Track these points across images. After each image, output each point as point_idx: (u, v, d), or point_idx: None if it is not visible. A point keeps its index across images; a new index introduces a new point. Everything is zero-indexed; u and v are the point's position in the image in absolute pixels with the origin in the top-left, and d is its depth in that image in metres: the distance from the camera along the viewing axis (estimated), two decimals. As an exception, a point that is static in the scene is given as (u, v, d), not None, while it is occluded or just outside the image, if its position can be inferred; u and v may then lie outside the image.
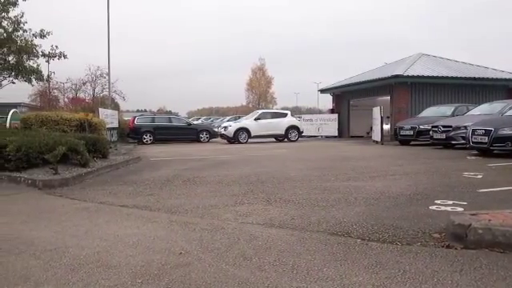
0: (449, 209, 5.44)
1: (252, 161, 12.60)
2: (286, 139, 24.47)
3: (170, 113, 66.84)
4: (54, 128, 13.92)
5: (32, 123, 14.36)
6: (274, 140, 24.53)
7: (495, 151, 12.09)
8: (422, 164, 10.80)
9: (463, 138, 13.81)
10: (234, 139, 23.26)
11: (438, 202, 5.90)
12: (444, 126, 15.72)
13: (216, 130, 28.45)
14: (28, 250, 4.08)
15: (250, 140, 23.62)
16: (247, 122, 24.56)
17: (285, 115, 25.58)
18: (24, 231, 4.84)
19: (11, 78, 15.71)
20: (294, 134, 24.66)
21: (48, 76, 18.65)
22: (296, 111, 71.24)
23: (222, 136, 24.25)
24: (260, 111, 26.77)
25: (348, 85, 28.13)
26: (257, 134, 23.94)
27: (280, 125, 24.56)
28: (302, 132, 25.75)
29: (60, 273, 3.46)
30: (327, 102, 30.97)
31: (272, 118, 25.07)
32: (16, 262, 3.77)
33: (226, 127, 24.53)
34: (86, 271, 3.49)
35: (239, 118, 30.75)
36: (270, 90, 75.64)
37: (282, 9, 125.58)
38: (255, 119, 24.38)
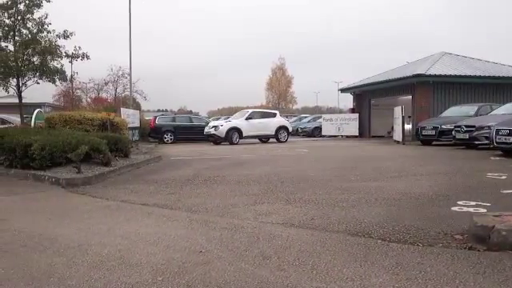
0: (471, 210, 5.36)
1: (271, 161, 12.60)
2: (275, 140, 23.51)
3: (190, 112, 67.27)
4: (76, 127, 14.14)
5: (56, 123, 14.62)
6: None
7: (520, 151, 11.86)
8: (444, 164, 10.66)
9: (487, 138, 13.57)
10: (225, 140, 22.05)
11: (461, 202, 5.82)
12: (467, 126, 15.45)
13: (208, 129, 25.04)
14: (52, 247, 4.16)
15: (240, 141, 22.38)
16: (238, 121, 22.98)
17: (274, 115, 24.50)
18: (48, 228, 4.94)
19: (36, 79, 16.01)
20: (283, 135, 23.83)
21: (71, 76, 19.00)
22: (316, 111, 71.06)
23: (212, 136, 22.61)
24: (250, 110, 25.00)
25: (369, 84, 27.88)
26: (248, 135, 22.82)
27: (270, 125, 23.56)
28: (291, 133, 25.25)
29: (83, 270, 3.52)
30: (348, 101, 30.82)
31: (262, 117, 23.91)
32: (40, 258, 3.85)
33: (216, 126, 22.67)
34: (108, 268, 3.54)
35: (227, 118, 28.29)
36: (290, 89, 75.51)
37: (303, 8, 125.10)
38: (246, 118, 23.06)
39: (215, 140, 22.44)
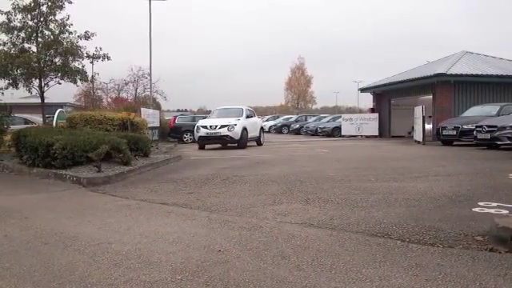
0: (493, 211, 5.28)
1: (290, 160, 12.59)
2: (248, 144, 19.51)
3: (209, 112, 67.49)
4: (97, 127, 14.34)
5: (77, 122, 14.84)
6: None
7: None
8: (466, 165, 10.51)
9: (509, 138, 13.36)
10: (238, 142, 18.08)
11: (482, 204, 5.73)
12: (488, 126, 15.21)
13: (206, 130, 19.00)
14: (73, 245, 4.23)
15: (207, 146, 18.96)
16: (243, 120, 18.77)
17: (254, 114, 21.41)
18: (69, 226, 5.02)
19: (57, 79, 16.23)
20: (262, 138, 21.13)
21: (92, 77, 19.16)
22: (336, 111, 70.67)
23: (221, 139, 18.17)
24: (245, 107, 20.70)
25: (389, 84, 27.62)
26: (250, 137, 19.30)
27: (256, 125, 20.51)
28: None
29: (103, 267, 3.58)
30: (367, 101, 30.60)
31: (251, 116, 20.41)
32: (62, 256, 3.92)
33: (228, 126, 17.92)
34: (128, 266, 3.59)
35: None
36: (310, 89, 75.43)
37: (322, 8, 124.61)
38: (247, 117, 19.50)
39: (225, 143, 18.36)
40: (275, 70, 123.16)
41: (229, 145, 18.67)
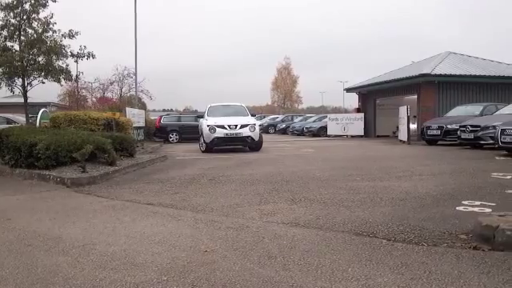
0: (476, 210, 5.35)
1: (277, 160, 12.60)
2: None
3: (195, 112, 67.29)
4: (81, 127, 14.19)
5: (61, 122, 14.68)
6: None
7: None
8: (450, 164, 10.62)
9: (492, 137, 13.51)
10: (257, 145, 16.26)
11: (466, 202, 5.80)
12: (472, 126, 15.39)
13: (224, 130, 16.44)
14: (57, 247, 4.18)
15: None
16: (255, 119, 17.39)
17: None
18: (53, 228, 4.96)
19: (41, 78, 16.04)
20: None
21: (76, 76, 18.98)
22: (322, 110, 70.91)
23: (243, 141, 15.97)
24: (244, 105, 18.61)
25: (374, 84, 27.82)
26: None
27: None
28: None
29: (87, 269, 3.54)
30: (353, 101, 30.83)
31: (253, 115, 18.71)
32: (45, 257, 3.87)
33: (249, 125, 15.93)
34: (113, 268, 3.55)
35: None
36: (296, 89, 75.60)
37: (309, 8, 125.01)
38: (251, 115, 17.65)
39: (245, 145, 16.32)
40: (261, 70, 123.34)
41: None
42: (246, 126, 15.82)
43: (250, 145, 16.13)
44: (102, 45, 79.79)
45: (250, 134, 15.75)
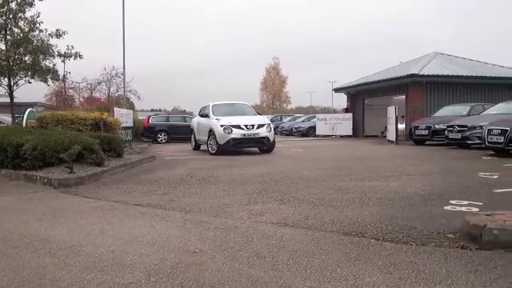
0: (464, 209, 5.39)
1: (265, 160, 12.59)
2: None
3: (184, 112, 67.09)
4: (69, 127, 14.08)
5: (48, 122, 14.55)
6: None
7: (511, 151, 11.93)
8: (437, 164, 10.71)
9: (479, 137, 13.64)
10: (271, 146, 15.32)
11: (453, 202, 5.85)
12: (459, 126, 15.53)
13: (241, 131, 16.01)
14: (43, 248, 4.13)
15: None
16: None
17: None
18: (40, 229, 4.91)
19: (27, 78, 15.90)
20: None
21: (64, 76, 18.87)
22: (310, 110, 71.12)
23: (260, 142, 14.97)
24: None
25: (363, 84, 27.97)
26: None
27: None
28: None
29: (75, 271, 3.50)
30: (342, 101, 30.94)
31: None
32: (32, 259, 3.82)
33: (265, 125, 14.99)
34: (101, 269, 3.52)
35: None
36: (284, 89, 75.75)
37: (297, 9, 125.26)
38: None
39: (262, 146, 15.29)
40: (250, 71, 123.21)
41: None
42: (262, 125, 14.85)
43: (266, 146, 15.12)
44: (91, 44, 79.29)
45: (266, 134, 14.79)
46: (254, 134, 14.56)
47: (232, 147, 14.55)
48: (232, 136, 14.36)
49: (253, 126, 14.62)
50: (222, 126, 14.49)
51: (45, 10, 15.71)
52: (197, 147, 17.31)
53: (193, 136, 17.76)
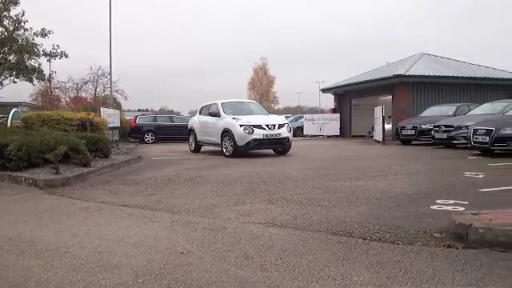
0: (450, 208, 5.44)
1: (253, 160, 12.58)
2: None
3: (171, 112, 66.83)
4: (55, 127, 13.94)
5: (33, 122, 14.39)
6: None
7: (496, 151, 12.07)
8: (424, 164, 10.79)
9: (465, 137, 13.78)
10: (288, 147, 14.39)
11: (440, 201, 5.90)
12: (446, 126, 15.70)
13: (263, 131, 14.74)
14: (29, 250, 4.08)
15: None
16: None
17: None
18: (25, 231, 4.84)
19: (12, 78, 15.73)
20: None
21: (49, 75, 18.70)
22: (298, 111, 71.21)
23: (280, 143, 14.01)
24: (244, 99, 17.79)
25: (350, 84, 28.12)
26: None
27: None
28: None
29: (61, 273, 3.46)
30: (329, 101, 31.09)
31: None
32: (17, 261, 3.77)
33: (286, 125, 14.18)
34: (87, 271, 3.49)
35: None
36: (272, 89, 75.60)
37: (284, 9, 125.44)
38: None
39: (282, 148, 14.29)
40: (238, 71, 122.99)
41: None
42: (283, 125, 13.96)
43: (285, 147, 14.24)
44: (77, 44, 78.55)
45: (288, 135, 13.95)
46: (275, 135, 13.65)
47: (252, 149, 13.68)
48: (253, 137, 13.34)
49: (274, 125, 13.73)
50: (241, 125, 13.42)
51: (28, 8, 15.58)
52: (197, 149, 16.24)
53: (192, 136, 16.56)
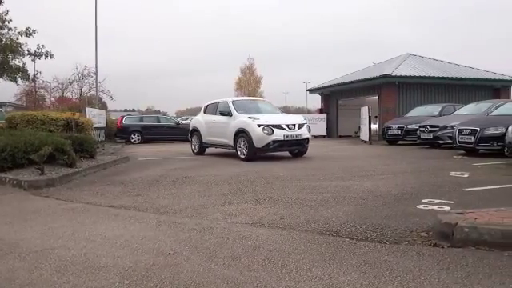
0: (436, 208, 5.49)
1: (241, 160, 12.56)
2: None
3: (158, 112, 66.52)
4: (40, 128, 13.76)
5: (17, 123, 14.19)
6: None
7: (481, 151, 12.22)
8: (410, 163, 10.88)
9: (450, 137, 13.94)
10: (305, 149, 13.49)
11: (426, 201, 5.95)
12: (431, 126, 15.85)
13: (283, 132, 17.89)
14: (13, 252, 4.02)
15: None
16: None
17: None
18: (9, 233, 4.77)
19: (-4, 77, 15.52)
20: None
21: (34, 75, 18.50)
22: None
23: (300, 144, 12.96)
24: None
25: (337, 84, 28.25)
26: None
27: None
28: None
29: (46, 275, 3.42)
30: (316, 101, 31.16)
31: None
32: (0, 264, 3.71)
33: (305, 125, 13.07)
34: (73, 273, 3.45)
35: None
36: (259, 89, 75.64)
37: (272, 10, 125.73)
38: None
39: (301, 150, 13.32)
40: (226, 71, 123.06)
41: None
42: (302, 125, 12.90)
43: (304, 149, 13.30)
44: (63, 43, 77.82)
45: (308, 135, 12.98)
46: (296, 136, 12.57)
47: (271, 151, 12.65)
48: (273, 138, 12.20)
49: (294, 125, 12.64)
50: (259, 125, 12.25)
51: (12, 7, 15.37)
52: (201, 151, 14.98)
53: (195, 138, 15.26)
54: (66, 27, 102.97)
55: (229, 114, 13.44)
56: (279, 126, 12.35)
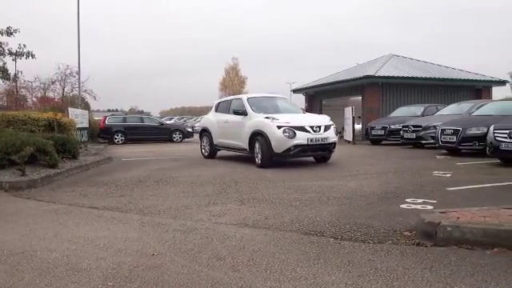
0: (419, 207, 5.54)
1: (226, 160, 12.54)
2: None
3: (141, 112, 66.16)
4: (21, 128, 13.53)
5: (-2, 123, 13.96)
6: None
7: (463, 150, 12.36)
8: (393, 163, 10.96)
9: (433, 137, 14.08)
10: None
11: (409, 200, 6.00)
12: (414, 126, 16.00)
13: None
14: (-6, 254, 3.95)
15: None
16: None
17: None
18: (-11, 235, 4.70)
19: (-24, 77, 15.24)
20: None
21: (15, 75, 18.19)
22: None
23: (325, 149, 11.11)
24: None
25: (320, 85, 28.36)
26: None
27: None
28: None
29: (27, 277, 3.37)
30: (300, 102, 31.23)
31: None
32: (-19, 266, 3.65)
33: (331, 126, 11.28)
34: (55, 275, 3.40)
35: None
36: (244, 89, 75.64)
37: (256, 11, 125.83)
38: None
39: (326, 155, 11.58)
40: (211, 71, 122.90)
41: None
42: (329, 127, 11.16)
43: (330, 154, 11.56)
44: (44, 44, 76.86)
45: (335, 139, 11.25)
46: (322, 139, 10.78)
47: (292, 156, 10.95)
48: (295, 142, 10.43)
49: (319, 127, 10.86)
50: (279, 127, 10.52)
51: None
52: (212, 154, 13.57)
53: (206, 139, 13.75)
54: (55, 27, 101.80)
55: (243, 112, 11.87)
56: (302, 128, 10.62)
